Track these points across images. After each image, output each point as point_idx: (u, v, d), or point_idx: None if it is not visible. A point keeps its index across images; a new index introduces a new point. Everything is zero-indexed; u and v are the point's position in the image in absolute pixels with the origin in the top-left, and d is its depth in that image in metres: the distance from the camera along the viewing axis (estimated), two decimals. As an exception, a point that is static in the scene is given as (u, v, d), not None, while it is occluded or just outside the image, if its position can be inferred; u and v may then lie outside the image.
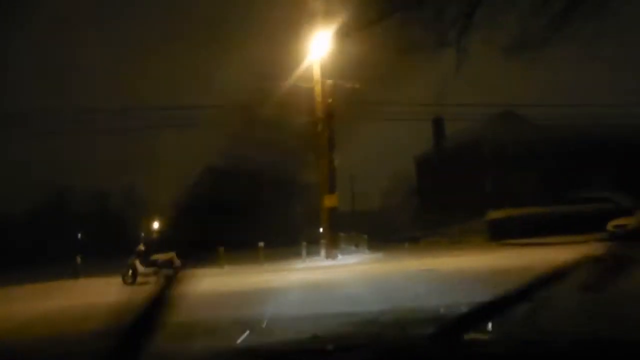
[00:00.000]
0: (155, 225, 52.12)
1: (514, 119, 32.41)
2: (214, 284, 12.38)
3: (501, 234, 22.15)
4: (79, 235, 47.63)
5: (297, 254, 19.30)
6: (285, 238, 37.80)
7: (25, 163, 56.90)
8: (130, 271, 14.83)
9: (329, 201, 18.55)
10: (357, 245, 23.13)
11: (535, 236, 20.36)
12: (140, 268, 14.93)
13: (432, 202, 36.58)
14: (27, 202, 51.84)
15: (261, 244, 18.14)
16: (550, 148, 32.09)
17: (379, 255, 19.11)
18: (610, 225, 18.96)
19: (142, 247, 15.12)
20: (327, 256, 18.53)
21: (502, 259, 13.90)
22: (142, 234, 15.26)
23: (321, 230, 19.17)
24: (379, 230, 34.00)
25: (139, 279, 14.93)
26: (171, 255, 15.52)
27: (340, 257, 18.69)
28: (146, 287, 1.31)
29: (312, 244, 20.47)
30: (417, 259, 16.05)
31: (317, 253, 19.17)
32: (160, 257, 15.30)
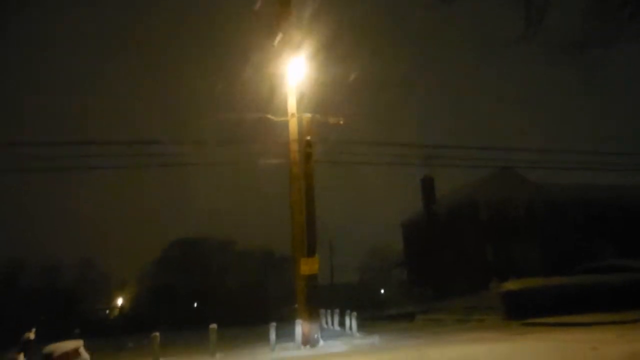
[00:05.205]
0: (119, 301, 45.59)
1: (512, 178, 29.08)
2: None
3: (521, 311, 17.82)
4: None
5: (264, 338, 14.44)
6: (250, 316, 32.67)
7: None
8: (9, 371, 9.86)
9: (307, 267, 14.03)
10: (342, 326, 18.28)
11: (563, 313, 16.30)
12: (26, 365, 9.96)
13: (423, 273, 32.17)
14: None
15: (213, 325, 13.25)
16: (555, 211, 28.64)
17: (373, 339, 14.38)
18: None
19: (31, 334, 10.20)
20: (305, 342, 13.73)
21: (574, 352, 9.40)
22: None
23: (296, 305, 14.44)
24: (362, 306, 29.15)
25: (23, 382, 9.96)
26: (75, 345, 10.66)
27: (322, 343, 13.89)
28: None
29: (285, 323, 15.69)
30: (434, 348, 11.43)
31: (291, 336, 14.32)
32: (57, 347, 10.39)
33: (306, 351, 12.95)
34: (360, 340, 14.67)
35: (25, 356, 10.04)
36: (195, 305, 48.46)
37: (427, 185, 33.26)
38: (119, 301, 51.84)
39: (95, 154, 15.72)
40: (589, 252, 27.27)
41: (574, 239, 28.20)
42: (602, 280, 19.91)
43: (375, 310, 27.96)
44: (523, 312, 17.62)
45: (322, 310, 19.63)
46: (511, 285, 19.14)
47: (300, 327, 13.87)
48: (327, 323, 20.86)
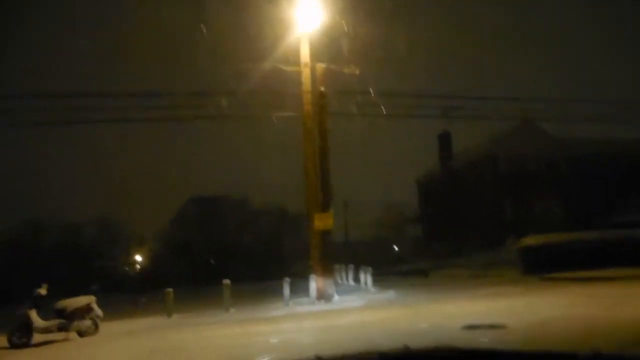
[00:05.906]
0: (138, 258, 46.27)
1: (533, 132, 28.11)
2: None
3: (539, 266, 17.42)
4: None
5: (277, 293, 14.33)
6: (265, 273, 32.96)
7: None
8: (22, 326, 9.77)
9: (322, 222, 13.68)
10: (357, 281, 18.13)
11: (585, 268, 15.81)
12: (38, 321, 9.88)
13: (439, 229, 31.85)
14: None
15: (227, 281, 13.11)
16: (578, 165, 27.78)
17: (389, 294, 14.18)
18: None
19: (43, 290, 10.08)
20: (319, 296, 13.55)
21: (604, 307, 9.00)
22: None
23: (310, 262, 14.21)
24: (376, 262, 29.10)
25: (36, 338, 9.89)
26: (88, 300, 10.54)
27: (336, 297, 13.71)
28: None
29: (300, 280, 15.58)
30: (452, 303, 11.13)
31: (306, 292, 14.17)
32: (70, 303, 10.29)
33: (321, 306, 12.78)
34: (376, 295, 14.48)
35: (37, 312, 9.95)
36: (212, 262, 49.11)
37: (445, 141, 32.46)
38: (138, 258, 52.74)
39: (105, 107, 15.31)
40: (613, 207, 26.57)
41: (597, 194, 27.41)
42: (625, 235, 19.34)
43: (389, 267, 27.85)
44: (542, 267, 17.23)
45: (337, 266, 19.48)
46: (530, 240, 18.71)
47: (314, 282, 13.68)
48: (341, 278, 20.78)
